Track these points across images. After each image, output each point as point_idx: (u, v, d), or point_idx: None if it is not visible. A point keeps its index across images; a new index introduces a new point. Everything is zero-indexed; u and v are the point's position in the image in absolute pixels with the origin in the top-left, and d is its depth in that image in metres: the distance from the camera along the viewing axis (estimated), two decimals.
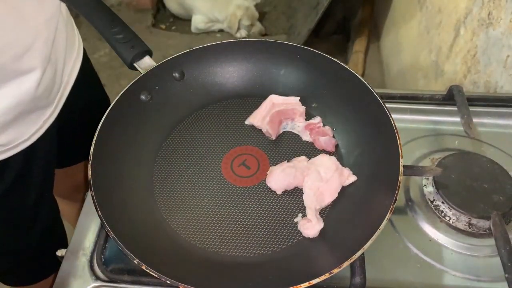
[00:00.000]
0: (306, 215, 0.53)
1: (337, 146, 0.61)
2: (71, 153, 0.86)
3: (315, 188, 0.54)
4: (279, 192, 0.57)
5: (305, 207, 0.55)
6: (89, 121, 0.79)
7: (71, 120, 0.75)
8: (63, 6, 0.67)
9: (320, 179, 0.55)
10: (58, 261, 0.77)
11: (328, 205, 0.55)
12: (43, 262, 0.76)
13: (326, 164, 0.56)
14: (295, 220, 0.54)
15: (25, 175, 0.64)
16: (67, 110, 0.70)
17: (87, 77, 0.79)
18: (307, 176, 0.55)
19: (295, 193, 0.57)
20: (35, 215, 0.69)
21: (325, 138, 0.61)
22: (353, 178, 0.56)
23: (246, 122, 0.64)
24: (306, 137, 0.63)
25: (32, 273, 0.76)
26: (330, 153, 0.60)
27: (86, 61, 0.77)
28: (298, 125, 0.63)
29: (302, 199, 0.55)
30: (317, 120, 0.63)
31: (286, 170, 0.56)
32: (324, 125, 0.62)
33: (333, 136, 0.62)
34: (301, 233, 0.53)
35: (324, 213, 0.55)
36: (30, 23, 0.57)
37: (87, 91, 0.79)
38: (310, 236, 0.52)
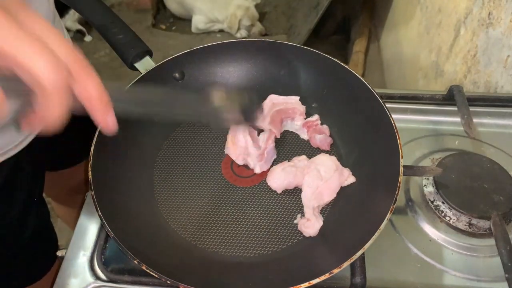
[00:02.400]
0: (303, 214, 0.54)
1: (337, 146, 0.61)
2: (64, 157, 0.85)
3: (314, 186, 0.54)
4: (279, 191, 0.57)
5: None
6: (81, 124, 0.79)
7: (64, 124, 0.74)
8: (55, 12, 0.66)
9: (320, 178, 0.55)
10: (48, 266, 0.77)
11: (328, 205, 0.55)
12: (32, 267, 0.76)
13: (326, 163, 0.56)
14: (295, 221, 0.54)
15: (13, 181, 0.64)
16: None
17: None
18: (307, 175, 0.55)
19: (295, 193, 0.57)
20: (23, 220, 0.68)
21: (321, 136, 0.61)
22: (352, 179, 0.56)
23: None
24: (304, 135, 0.63)
25: (20, 278, 0.76)
26: (329, 153, 0.60)
27: None
28: (297, 124, 0.63)
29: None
30: (314, 117, 0.63)
31: (286, 169, 0.56)
32: (322, 124, 0.62)
33: (330, 135, 0.62)
34: (301, 233, 0.53)
35: (324, 213, 0.55)
36: None
37: None
38: (311, 235, 0.52)
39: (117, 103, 0.36)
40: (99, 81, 0.33)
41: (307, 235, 0.52)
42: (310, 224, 0.52)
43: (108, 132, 0.36)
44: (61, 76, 0.30)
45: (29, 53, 0.29)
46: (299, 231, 0.53)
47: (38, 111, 0.32)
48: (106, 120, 0.35)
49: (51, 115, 0.32)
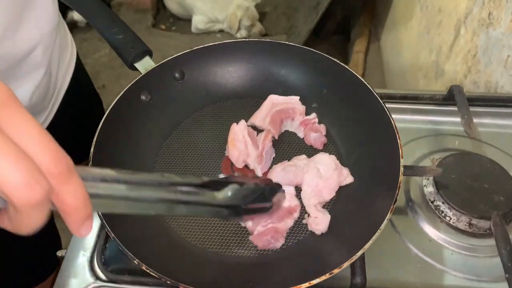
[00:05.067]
0: (308, 213, 0.53)
1: (337, 146, 0.61)
2: None
3: (314, 185, 0.54)
4: None
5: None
6: (83, 125, 0.79)
7: (65, 124, 0.75)
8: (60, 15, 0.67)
9: (319, 177, 0.55)
10: (52, 267, 0.77)
11: (328, 205, 0.55)
12: (37, 268, 0.76)
13: (325, 162, 0.56)
14: (303, 221, 0.54)
15: None
16: (60, 114, 0.70)
17: (80, 81, 0.78)
18: (306, 173, 0.55)
19: (295, 192, 0.57)
20: None
21: (316, 134, 0.61)
22: (350, 179, 0.56)
23: (248, 123, 0.64)
24: (301, 133, 0.63)
25: (26, 279, 0.76)
26: (329, 152, 0.60)
27: (79, 65, 0.77)
28: (297, 124, 0.63)
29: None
30: (312, 116, 0.63)
31: (286, 168, 0.56)
32: (320, 124, 0.62)
33: (330, 135, 0.62)
34: (301, 233, 0.53)
35: None
36: (36, 30, 0.57)
37: (80, 95, 0.78)
38: (322, 231, 0.52)
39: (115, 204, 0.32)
40: (81, 191, 0.29)
41: (318, 232, 0.52)
42: (319, 221, 0.52)
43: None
44: (35, 194, 0.26)
45: (2, 166, 0.25)
46: (299, 231, 0.53)
47: (10, 219, 0.29)
48: (79, 232, 0.32)
49: (22, 227, 0.30)
